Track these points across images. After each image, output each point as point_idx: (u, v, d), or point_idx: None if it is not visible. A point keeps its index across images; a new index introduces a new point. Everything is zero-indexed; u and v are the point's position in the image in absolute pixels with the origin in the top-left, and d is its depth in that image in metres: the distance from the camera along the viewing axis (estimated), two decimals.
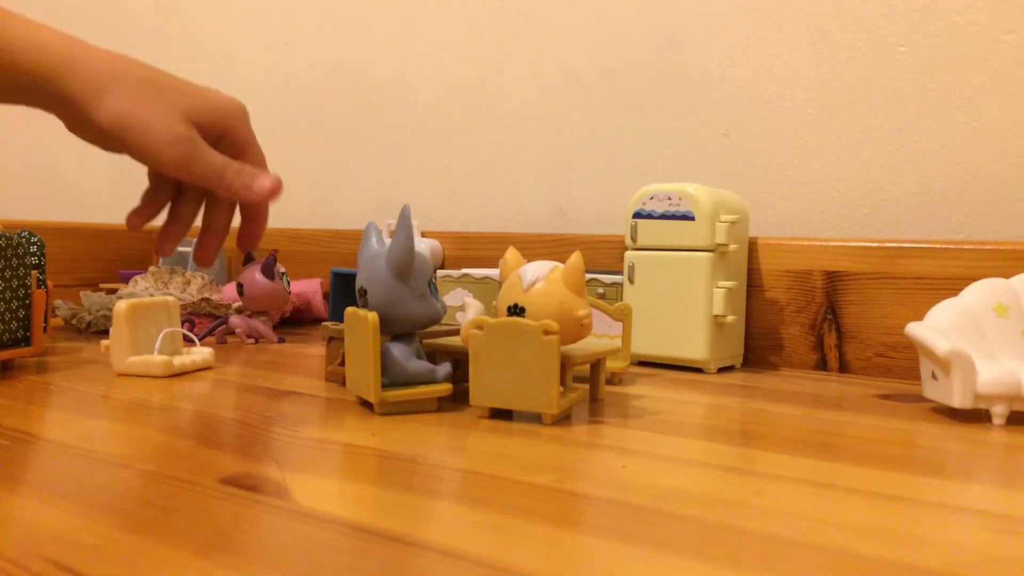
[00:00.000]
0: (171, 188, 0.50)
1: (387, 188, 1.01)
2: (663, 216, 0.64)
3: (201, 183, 0.47)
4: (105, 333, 0.78)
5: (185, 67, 1.21)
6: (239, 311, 0.77)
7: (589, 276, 0.70)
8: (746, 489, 0.32)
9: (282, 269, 0.77)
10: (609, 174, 0.83)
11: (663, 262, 0.64)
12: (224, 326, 0.76)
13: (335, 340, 0.55)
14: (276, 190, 0.53)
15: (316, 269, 1.01)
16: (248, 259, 0.76)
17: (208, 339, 0.76)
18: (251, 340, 0.75)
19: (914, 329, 0.48)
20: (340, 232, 1.01)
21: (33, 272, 0.57)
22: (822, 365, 0.68)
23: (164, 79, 0.50)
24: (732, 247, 0.63)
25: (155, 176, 0.49)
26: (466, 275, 0.76)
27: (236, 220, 0.52)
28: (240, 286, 0.75)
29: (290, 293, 0.79)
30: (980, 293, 0.49)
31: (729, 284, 0.63)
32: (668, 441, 0.40)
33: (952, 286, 0.61)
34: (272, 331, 0.76)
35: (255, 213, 0.54)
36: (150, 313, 0.57)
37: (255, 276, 0.74)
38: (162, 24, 1.24)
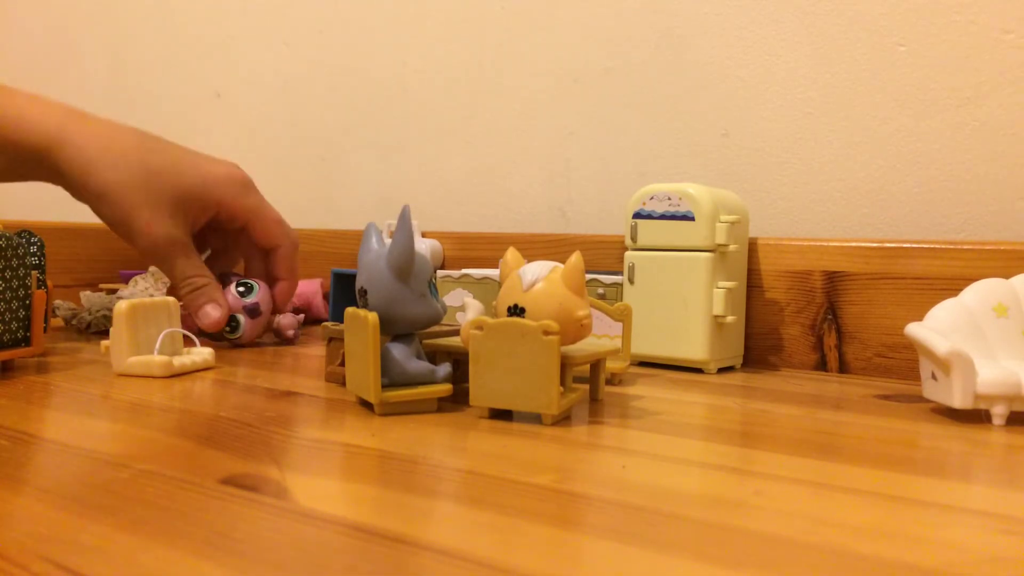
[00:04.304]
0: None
1: (387, 188, 1.01)
2: (663, 216, 0.64)
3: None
4: (105, 333, 0.78)
5: (184, 67, 1.21)
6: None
7: (589, 276, 0.70)
8: (746, 489, 0.32)
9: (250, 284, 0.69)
10: (609, 174, 0.83)
11: (663, 262, 0.64)
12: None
13: (335, 340, 0.55)
14: (214, 327, 0.56)
15: (316, 269, 1.01)
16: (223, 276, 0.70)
17: (207, 339, 0.76)
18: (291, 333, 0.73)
19: (914, 329, 0.48)
20: (340, 232, 1.01)
21: (33, 272, 0.57)
22: (822, 365, 0.68)
23: (158, 158, 0.49)
24: (732, 247, 0.63)
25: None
26: (466, 275, 0.76)
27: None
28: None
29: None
30: (980, 293, 0.49)
31: (729, 284, 0.63)
32: (668, 441, 0.40)
33: (952, 286, 0.61)
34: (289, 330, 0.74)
35: (280, 269, 0.56)
36: (150, 313, 0.57)
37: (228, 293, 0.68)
38: (161, 24, 1.24)
